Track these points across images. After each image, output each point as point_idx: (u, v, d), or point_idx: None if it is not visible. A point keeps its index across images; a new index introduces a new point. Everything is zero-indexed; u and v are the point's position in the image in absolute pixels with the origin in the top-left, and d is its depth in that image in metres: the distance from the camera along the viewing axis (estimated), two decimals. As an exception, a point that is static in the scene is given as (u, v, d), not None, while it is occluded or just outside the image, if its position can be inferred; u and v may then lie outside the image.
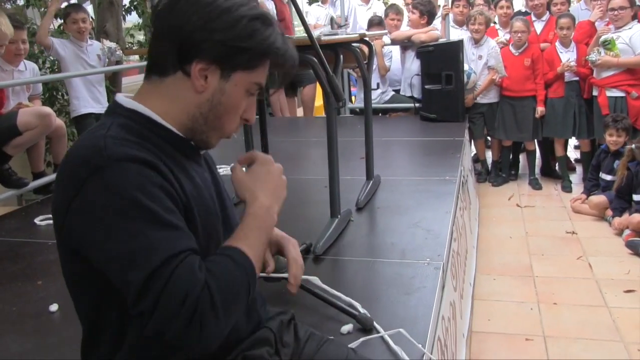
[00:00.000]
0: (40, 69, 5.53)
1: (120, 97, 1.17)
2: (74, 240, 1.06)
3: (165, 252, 0.98)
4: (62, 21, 4.73)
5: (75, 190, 1.02)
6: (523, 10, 6.60)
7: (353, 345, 1.79)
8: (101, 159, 1.02)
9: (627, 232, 4.28)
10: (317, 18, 6.49)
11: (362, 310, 2.02)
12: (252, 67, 1.16)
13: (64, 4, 4.57)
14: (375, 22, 6.03)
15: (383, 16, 6.27)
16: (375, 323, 1.96)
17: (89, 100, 4.68)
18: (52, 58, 5.48)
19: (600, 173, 4.95)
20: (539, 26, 5.88)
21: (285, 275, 1.26)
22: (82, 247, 1.05)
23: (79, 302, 1.17)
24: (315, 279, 2.05)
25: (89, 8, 5.62)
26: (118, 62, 5.10)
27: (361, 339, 1.86)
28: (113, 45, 4.79)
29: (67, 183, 1.05)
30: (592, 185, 5.02)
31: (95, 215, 1.01)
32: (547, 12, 5.94)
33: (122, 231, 0.99)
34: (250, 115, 1.23)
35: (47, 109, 3.95)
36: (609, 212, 4.63)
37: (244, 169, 1.23)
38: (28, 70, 4.17)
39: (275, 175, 1.23)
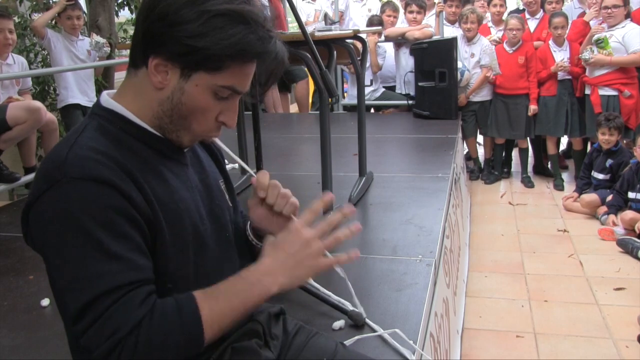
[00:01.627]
0: (31, 63, 5.52)
1: (103, 96, 1.14)
2: (35, 243, 1.07)
3: (103, 285, 0.96)
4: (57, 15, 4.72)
5: (34, 198, 1.01)
6: (521, 8, 6.60)
7: (348, 342, 1.80)
8: (59, 173, 0.99)
9: (618, 232, 4.29)
10: (308, 15, 6.49)
11: (351, 308, 2.03)
12: (214, 68, 1.05)
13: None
14: (375, 23, 6.04)
15: (379, 12, 6.26)
16: (367, 319, 1.96)
17: (77, 92, 4.69)
18: (44, 52, 5.46)
19: (592, 172, 4.97)
20: (532, 24, 5.90)
21: None
22: (40, 252, 1.06)
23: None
24: (307, 277, 2.05)
25: (82, 2, 5.60)
26: (109, 58, 5.09)
27: (356, 337, 1.87)
28: (101, 40, 4.77)
29: (33, 188, 1.04)
30: (584, 183, 5.04)
31: (44, 231, 1.00)
32: (541, 10, 5.96)
33: (65, 255, 0.98)
34: (227, 119, 1.13)
35: (37, 104, 3.93)
36: (601, 211, 4.65)
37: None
38: (17, 64, 4.16)
39: (295, 245, 1.09)
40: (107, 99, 1.13)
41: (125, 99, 1.12)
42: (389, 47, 6.24)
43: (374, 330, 1.91)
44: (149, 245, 1.05)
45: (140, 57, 1.08)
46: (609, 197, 4.63)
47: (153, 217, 1.06)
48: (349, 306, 2.04)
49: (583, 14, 5.75)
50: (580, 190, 5.03)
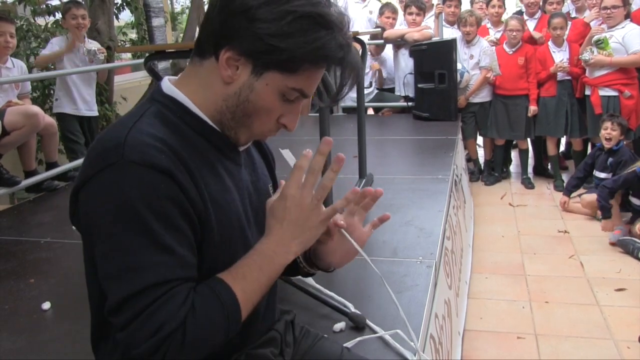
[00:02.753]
0: (32, 67, 5.52)
1: (164, 81, 1.11)
2: (82, 224, 1.03)
3: (152, 278, 0.94)
4: (61, 16, 4.72)
5: (87, 177, 0.98)
6: (521, 10, 6.60)
7: (349, 344, 1.80)
8: (117, 155, 0.95)
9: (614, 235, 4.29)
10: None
11: (353, 310, 2.03)
12: (290, 70, 1.02)
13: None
14: (379, 37, 6.04)
15: (378, 14, 6.26)
16: (367, 321, 1.96)
17: (72, 101, 4.66)
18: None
19: (595, 171, 4.95)
20: (531, 25, 5.90)
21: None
22: (87, 233, 1.03)
23: (92, 287, 1.11)
24: (308, 279, 2.05)
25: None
26: (108, 61, 5.09)
27: (357, 339, 1.87)
28: (93, 47, 4.74)
29: (85, 167, 1.00)
30: (573, 186, 5.01)
31: (97, 213, 0.97)
32: (539, 11, 5.96)
33: (115, 241, 0.95)
34: (288, 122, 1.11)
35: (35, 109, 3.93)
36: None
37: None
38: (16, 67, 4.16)
39: (295, 211, 1.06)
40: (169, 85, 1.10)
41: (189, 88, 1.09)
42: (387, 48, 6.24)
43: (375, 332, 1.91)
44: (198, 242, 1.03)
45: (211, 47, 1.05)
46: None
47: (205, 213, 1.03)
48: (351, 307, 2.04)
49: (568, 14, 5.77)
50: (569, 192, 5.01)
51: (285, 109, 1.09)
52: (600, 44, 5.06)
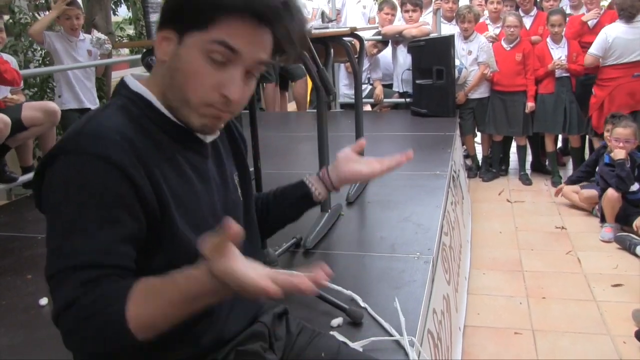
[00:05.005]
0: (30, 62, 5.51)
1: (128, 77, 1.13)
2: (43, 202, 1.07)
3: (71, 260, 0.97)
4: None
5: (45, 161, 1.03)
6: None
7: (361, 344, 1.80)
8: (72, 144, 1.00)
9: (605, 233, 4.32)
10: (306, 13, 6.45)
11: (362, 305, 2.03)
12: (204, 23, 1.02)
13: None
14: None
15: (377, 11, 6.25)
16: (365, 316, 1.97)
17: (76, 97, 4.65)
18: (42, 52, 5.46)
19: (597, 167, 4.93)
20: (527, 22, 5.89)
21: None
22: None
23: None
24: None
25: (79, 1, 5.60)
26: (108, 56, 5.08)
27: (370, 339, 1.86)
28: (103, 37, 4.75)
29: (46, 156, 1.05)
30: (576, 177, 5.02)
31: (47, 197, 1.02)
32: (535, 8, 5.96)
33: (55, 223, 1.00)
34: (229, 92, 1.05)
35: (54, 106, 3.92)
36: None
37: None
38: (8, 63, 4.13)
39: (248, 293, 0.88)
40: (134, 82, 1.12)
41: (154, 84, 1.12)
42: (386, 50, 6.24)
43: (375, 328, 1.92)
44: (143, 236, 1.03)
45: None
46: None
47: (160, 206, 1.04)
48: (359, 302, 2.04)
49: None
50: (572, 182, 5.02)
51: (221, 77, 1.05)
52: None
